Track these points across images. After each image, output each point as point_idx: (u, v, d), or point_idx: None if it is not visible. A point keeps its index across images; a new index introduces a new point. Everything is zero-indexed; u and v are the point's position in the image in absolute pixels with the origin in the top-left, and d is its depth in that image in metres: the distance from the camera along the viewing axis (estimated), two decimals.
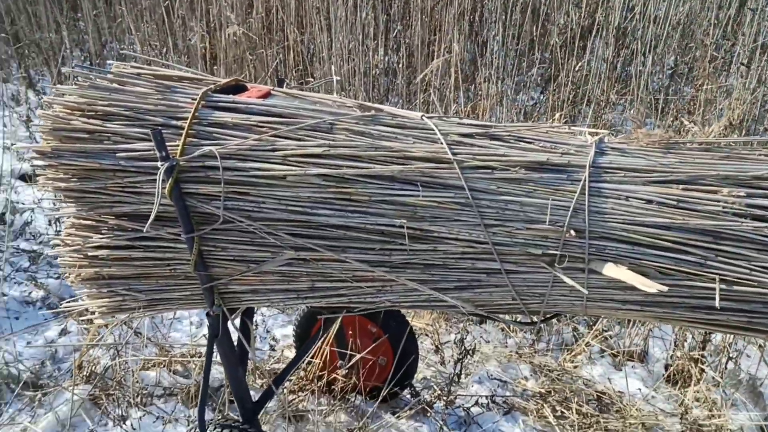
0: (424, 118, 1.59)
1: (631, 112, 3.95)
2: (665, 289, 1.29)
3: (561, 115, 3.68)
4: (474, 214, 1.45)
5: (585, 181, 1.40)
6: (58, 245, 1.81)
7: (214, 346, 1.73)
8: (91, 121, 1.65)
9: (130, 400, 2.33)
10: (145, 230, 1.52)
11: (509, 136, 1.53)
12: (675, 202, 1.36)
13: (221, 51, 4.35)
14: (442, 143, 1.49)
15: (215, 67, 4.53)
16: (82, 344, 2.44)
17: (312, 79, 4.31)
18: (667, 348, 2.70)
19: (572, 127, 1.55)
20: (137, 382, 2.38)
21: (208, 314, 1.72)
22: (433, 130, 1.54)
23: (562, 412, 2.39)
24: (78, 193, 1.69)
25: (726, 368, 2.50)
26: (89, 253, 1.75)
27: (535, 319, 1.55)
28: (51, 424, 2.28)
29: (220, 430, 1.71)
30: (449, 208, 1.46)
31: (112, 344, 2.44)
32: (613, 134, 1.51)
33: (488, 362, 2.68)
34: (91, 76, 1.71)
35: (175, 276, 1.74)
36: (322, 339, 2.05)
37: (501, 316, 1.57)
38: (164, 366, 2.49)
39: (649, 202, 1.38)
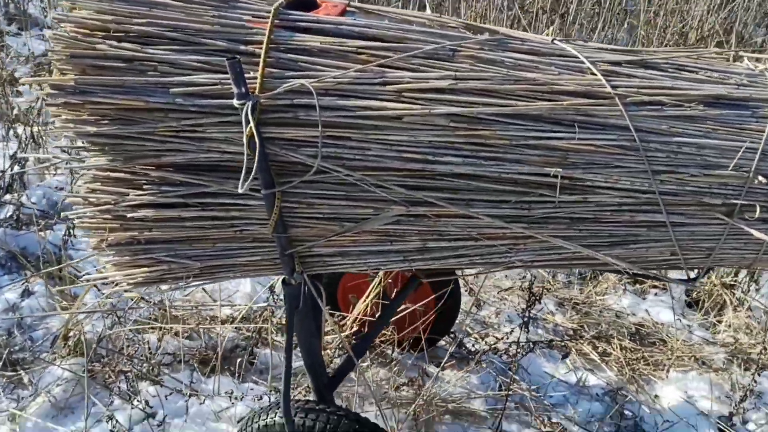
0: (556, 41, 1.33)
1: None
2: None
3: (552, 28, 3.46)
4: (640, 159, 1.22)
5: None
6: (77, 204, 1.44)
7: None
8: (126, 45, 1.26)
9: (139, 372, 2.00)
10: (241, 189, 1.19)
11: (666, 64, 1.30)
12: None
13: None
14: (594, 74, 1.24)
15: None
16: (75, 311, 2.05)
17: None
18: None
19: (735, 53, 1.33)
20: (150, 350, 2.04)
21: (284, 282, 1.43)
22: (576, 57, 1.28)
23: (603, 348, 2.29)
24: (112, 139, 1.32)
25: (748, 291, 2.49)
26: (125, 214, 1.39)
27: (692, 274, 1.38)
28: (44, 408, 1.93)
29: (304, 415, 1.45)
30: (609, 152, 1.23)
31: (112, 309, 2.07)
32: None
33: (511, 297, 2.54)
34: None
35: (240, 238, 1.42)
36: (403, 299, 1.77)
37: (653, 272, 1.39)
38: (166, 330, 2.15)
39: None
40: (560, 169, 1.23)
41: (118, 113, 1.29)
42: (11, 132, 3.13)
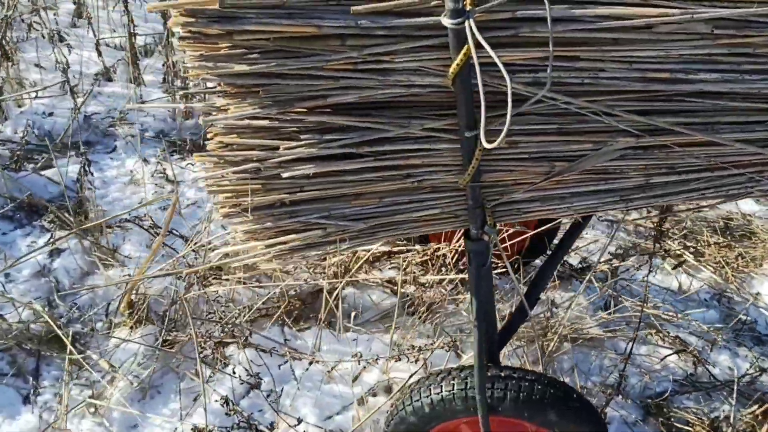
0: None
1: None
2: None
3: None
4: None
5: None
6: (203, 163, 1.12)
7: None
8: None
9: (230, 335, 1.73)
10: (490, 143, 0.91)
11: None
12: None
13: None
14: None
15: None
16: (141, 277, 1.72)
17: None
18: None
19: None
20: (245, 310, 1.75)
21: (469, 237, 1.18)
22: None
23: (694, 248, 2.17)
24: (265, 79, 1.00)
25: None
26: (276, 173, 1.09)
27: None
28: (127, 392, 1.65)
29: (491, 385, 1.25)
30: None
31: (191, 270, 1.74)
32: None
33: None
34: None
35: (414, 189, 1.15)
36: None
37: None
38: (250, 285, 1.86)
39: None
40: None
41: (276, 44, 0.97)
42: None
